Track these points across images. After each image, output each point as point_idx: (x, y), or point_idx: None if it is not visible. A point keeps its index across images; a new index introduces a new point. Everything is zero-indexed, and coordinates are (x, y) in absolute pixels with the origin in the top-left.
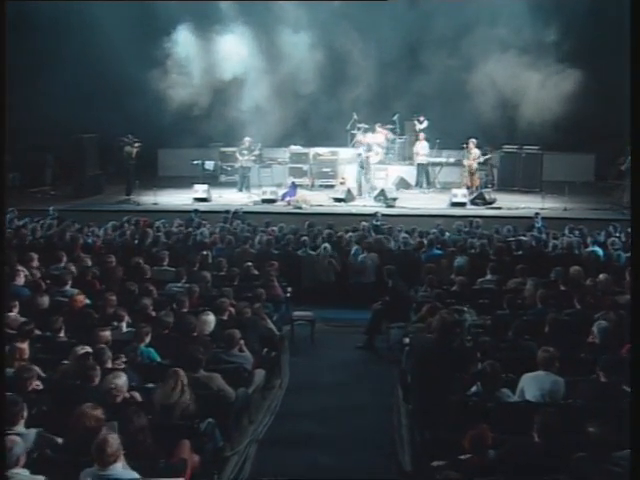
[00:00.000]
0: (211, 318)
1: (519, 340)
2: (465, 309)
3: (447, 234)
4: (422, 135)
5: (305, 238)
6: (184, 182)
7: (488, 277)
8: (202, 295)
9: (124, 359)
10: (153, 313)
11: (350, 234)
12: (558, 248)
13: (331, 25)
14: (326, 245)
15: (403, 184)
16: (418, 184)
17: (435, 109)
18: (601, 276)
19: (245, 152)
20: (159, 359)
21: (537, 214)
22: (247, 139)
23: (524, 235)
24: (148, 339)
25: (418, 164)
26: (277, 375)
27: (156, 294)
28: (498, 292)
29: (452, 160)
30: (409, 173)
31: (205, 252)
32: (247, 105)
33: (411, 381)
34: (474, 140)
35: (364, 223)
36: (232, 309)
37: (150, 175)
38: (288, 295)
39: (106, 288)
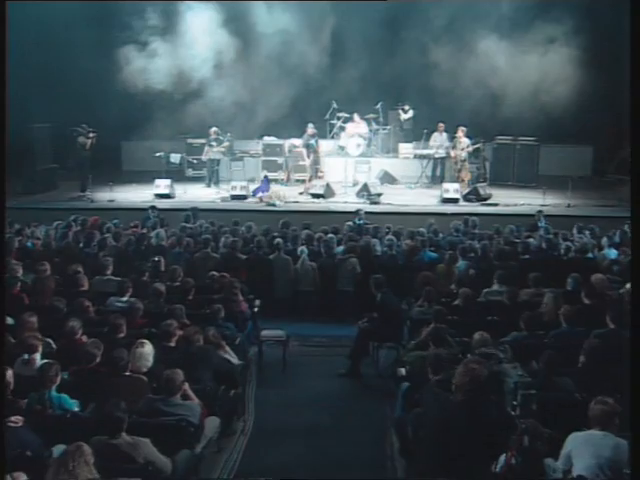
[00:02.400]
0: (147, 351)
1: (550, 376)
2: (501, 354)
3: (440, 235)
4: (441, 126)
5: (279, 240)
6: (149, 177)
7: (495, 287)
8: (149, 312)
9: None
10: (84, 338)
11: (330, 235)
12: (571, 251)
13: (311, 7)
14: (303, 249)
15: (387, 178)
16: (438, 180)
17: (420, 97)
18: (628, 286)
19: (213, 143)
20: (76, 408)
21: (540, 212)
22: (214, 129)
23: (531, 236)
24: (59, 380)
25: (436, 158)
26: (239, 416)
27: (93, 312)
28: (510, 307)
29: (442, 152)
30: (394, 167)
31: (157, 258)
32: (218, 94)
33: (413, 436)
34: (463, 128)
35: (349, 223)
36: (182, 332)
37: (113, 169)
38: (256, 310)
39: (34, 304)
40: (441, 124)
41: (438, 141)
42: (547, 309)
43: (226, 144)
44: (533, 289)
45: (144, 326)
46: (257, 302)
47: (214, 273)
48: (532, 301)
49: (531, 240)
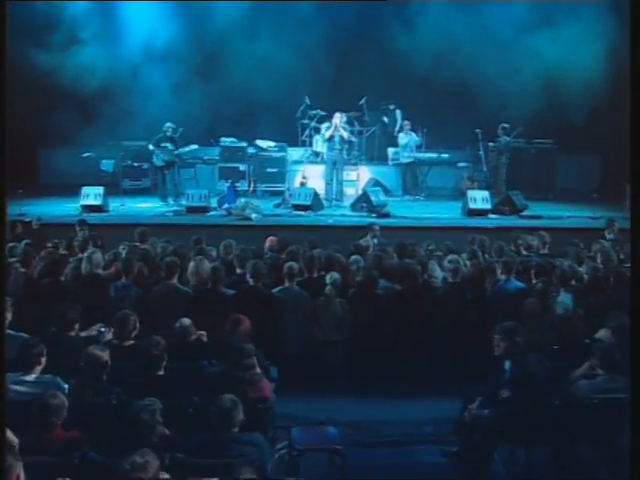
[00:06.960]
0: None
1: None
2: None
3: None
4: (407, 124)
5: (292, 264)
6: (76, 190)
7: None
8: (81, 411)
9: None
10: None
11: (356, 256)
12: None
13: None
14: (333, 274)
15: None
16: (406, 190)
17: (407, 93)
18: None
19: (168, 145)
20: None
21: (612, 220)
22: (169, 125)
23: None
24: None
25: (403, 164)
26: None
27: None
28: None
29: (445, 156)
30: (384, 175)
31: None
32: (162, 89)
33: None
34: (505, 125)
35: (366, 238)
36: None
37: (28, 183)
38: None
39: None
40: (406, 122)
41: (407, 141)
42: None
43: (194, 146)
44: None
45: (71, 446)
46: (273, 371)
47: (186, 323)
48: None
49: None
